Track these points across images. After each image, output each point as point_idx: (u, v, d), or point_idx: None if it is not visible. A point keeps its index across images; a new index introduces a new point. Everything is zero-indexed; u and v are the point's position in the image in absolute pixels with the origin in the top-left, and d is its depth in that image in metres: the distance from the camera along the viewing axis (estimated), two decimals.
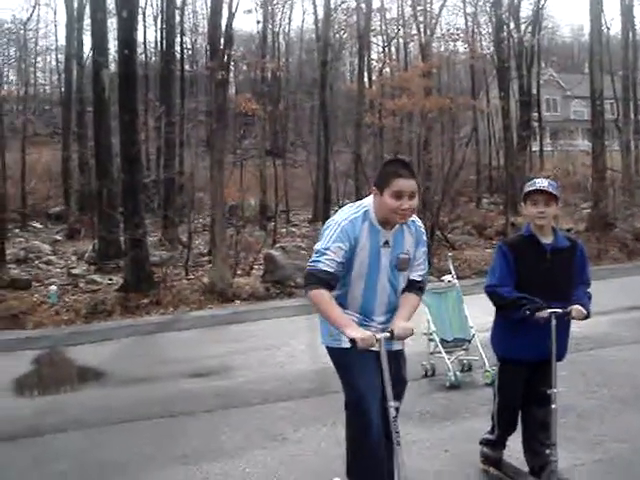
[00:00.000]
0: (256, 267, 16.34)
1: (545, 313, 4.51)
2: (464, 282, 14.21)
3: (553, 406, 4.61)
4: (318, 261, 4.18)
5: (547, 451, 4.60)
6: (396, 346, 4.47)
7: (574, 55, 64.78)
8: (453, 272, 8.25)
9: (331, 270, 4.16)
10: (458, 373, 7.43)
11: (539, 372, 4.74)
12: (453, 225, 21.67)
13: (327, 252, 4.17)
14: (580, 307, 4.62)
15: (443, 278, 8.21)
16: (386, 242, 4.28)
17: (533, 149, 39.93)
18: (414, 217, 4.45)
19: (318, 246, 4.26)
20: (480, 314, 10.10)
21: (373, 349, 4.27)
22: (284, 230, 23.93)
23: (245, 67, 43.83)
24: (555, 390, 4.62)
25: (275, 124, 36.60)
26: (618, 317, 10.44)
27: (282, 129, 37.63)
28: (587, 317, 4.69)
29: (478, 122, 29.59)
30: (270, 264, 15.04)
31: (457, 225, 22.08)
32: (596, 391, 6.95)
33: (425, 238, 4.52)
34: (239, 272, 15.76)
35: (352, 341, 4.09)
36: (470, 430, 5.99)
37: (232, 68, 28.31)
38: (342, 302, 4.35)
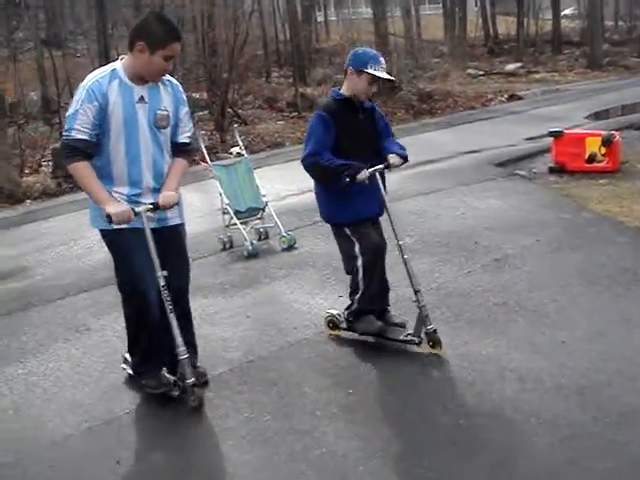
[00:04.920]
0: (44, 164, 15.57)
1: (365, 174, 4.65)
2: (258, 155, 14.41)
3: (406, 256, 4.85)
4: (71, 129, 4.08)
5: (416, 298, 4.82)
6: (173, 220, 4.45)
7: None
8: (240, 144, 8.26)
9: (86, 137, 4.08)
10: (255, 242, 7.59)
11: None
12: (244, 101, 21.51)
13: (77, 115, 4.07)
14: (394, 155, 4.83)
15: (231, 150, 8.23)
16: (141, 98, 4.19)
17: (318, 19, 40.12)
18: (169, 77, 4.40)
19: (68, 112, 4.15)
20: (273, 184, 10.39)
21: (140, 226, 4.23)
22: None
23: None
24: (402, 242, 4.87)
25: (50, 12, 34.28)
26: (406, 173, 10.94)
27: (58, 16, 35.35)
28: (406, 160, 4.92)
29: None
30: (59, 158, 14.32)
31: (248, 100, 21.92)
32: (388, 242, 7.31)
33: (185, 97, 4.48)
34: (27, 171, 14.99)
35: (108, 217, 4.05)
36: (269, 294, 6.22)
37: None
38: (108, 175, 4.23)
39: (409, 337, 4.90)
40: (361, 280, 4.95)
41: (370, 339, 5.08)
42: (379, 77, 4.75)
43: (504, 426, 3.88)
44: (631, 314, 5.18)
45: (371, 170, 4.71)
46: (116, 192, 4.24)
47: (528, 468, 3.49)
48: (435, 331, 4.76)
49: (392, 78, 4.90)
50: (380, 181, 4.83)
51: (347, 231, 4.92)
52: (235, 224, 7.69)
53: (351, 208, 4.84)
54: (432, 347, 4.77)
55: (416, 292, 4.81)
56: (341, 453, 3.76)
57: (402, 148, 4.97)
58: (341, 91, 4.90)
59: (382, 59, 4.81)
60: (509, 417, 3.96)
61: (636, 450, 3.55)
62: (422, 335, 4.80)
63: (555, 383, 4.27)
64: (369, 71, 4.71)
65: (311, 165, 4.76)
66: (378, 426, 4.00)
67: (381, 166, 4.79)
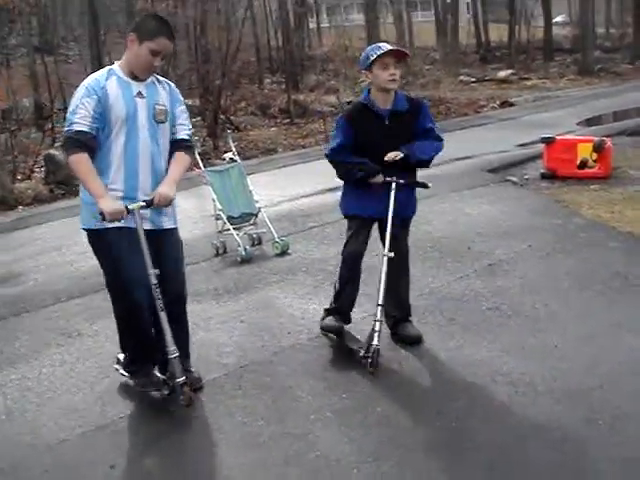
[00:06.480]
0: (37, 170, 15.58)
1: (380, 179, 4.69)
2: (252, 162, 14.44)
3: (385, 269, 4.73)
4: (72, 123, 4.10)
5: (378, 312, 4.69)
6: (167, 224, 4.45)
7: None
8: (233, 149, 8.27)
9: (86, 129, 4.09)
10: (248, 247, 7.61)
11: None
12: (237, 107, 21.55)
13: (77, 110, 4.10)
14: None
15: (224, 156, 8.24)
16: (139, 93, 4.22)
17: (310, 26, 40.21)
18: (165, 79, 4.46)
19: (69, 110, 4.19)
20: (266, 190, 10.41)
21: (132, 225, 4.21)
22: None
23: None
24: (391, 254, 4.74)
25: (42, 18, 34.26)
26: None
27: (50, 22, 35.33)
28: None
29: (253, 1, 29.11)
30: (51, 165, 14.32)
31: (240, 107, 21.97)
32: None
33: (181, 98, 4.53)
34: (19, 177, 14.99)
35: (101, 214, 4.05)
36: (263, 299, 6.22)
37: None
38: (105, 170, 4.20)
39: (360, 349, 4.78)
40: (337, 280, 5.06)
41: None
42: (382, 54, 4.58)
43: (497, 429, 3.89)
44: (622, 318, 5.21)
45: (388, 179, 4.73)
46: (112, 188, 4.22)
47: (521, 471, 3.50)
48: (377, 351, 4.59)
49: (403, 50, 4.72)
50: (394, 192, 4.75)
51: (347, 224, 5.02)
52: (228, 229, 7.70)
53: (355, 202, 4.90)
54: (370, 366, 4.60)
55: (378, 305, 4.69)
56: (335, 457, 3.76)
57: (423, 150, 4.90)
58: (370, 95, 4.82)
59: (384, 44, 4.73)
60: (502, 420, 3.98)
61: (627, 451, 3.57)
62: (370, 349, 4.62)
63: (547, 387, 4.29)
64: (373, 58, 4.60)
65: (330, 161, 4.88)
66: (372, 430, 4.01)
67: (402, 181, 4.78)
